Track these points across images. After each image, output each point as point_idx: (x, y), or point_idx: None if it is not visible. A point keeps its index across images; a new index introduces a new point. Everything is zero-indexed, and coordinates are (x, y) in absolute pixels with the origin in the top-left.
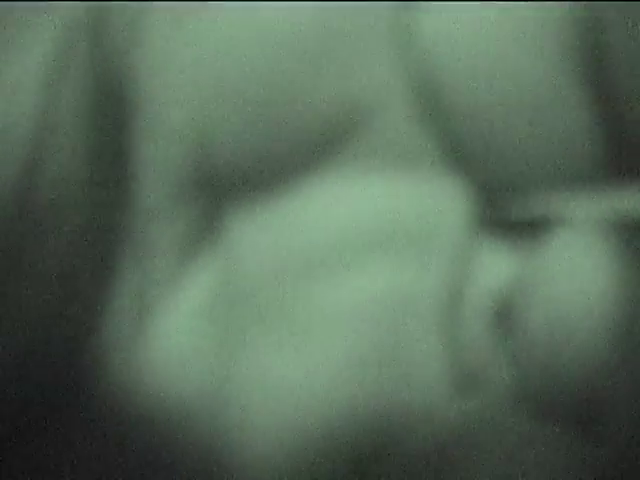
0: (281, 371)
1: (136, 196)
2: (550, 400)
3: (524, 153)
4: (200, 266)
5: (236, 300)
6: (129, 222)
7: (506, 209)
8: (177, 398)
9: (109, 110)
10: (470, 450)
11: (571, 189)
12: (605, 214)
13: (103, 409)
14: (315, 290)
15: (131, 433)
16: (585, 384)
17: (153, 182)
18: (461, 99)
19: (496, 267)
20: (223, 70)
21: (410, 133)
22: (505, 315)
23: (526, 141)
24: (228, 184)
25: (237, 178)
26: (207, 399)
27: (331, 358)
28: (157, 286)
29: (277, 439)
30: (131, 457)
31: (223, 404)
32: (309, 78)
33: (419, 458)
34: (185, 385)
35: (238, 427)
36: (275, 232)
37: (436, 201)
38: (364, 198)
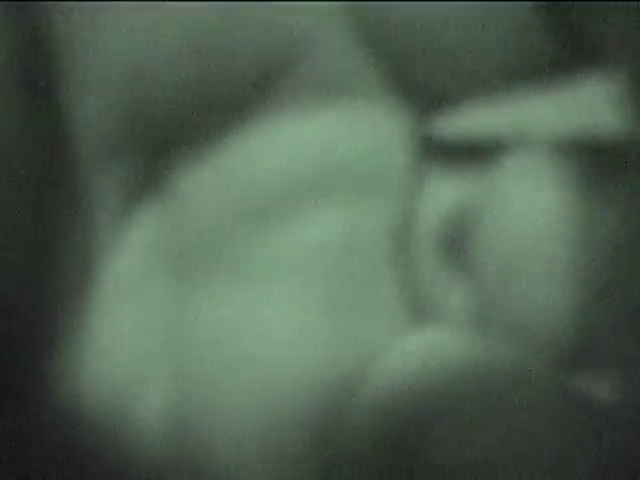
0: (233, 323)
1: (73, 150)
2: (510, 325)
3: (471, 69)
4: (144, 220)
5: (183, 253)
6: (67, 177)
7: (454, 131)
8: (127, 359)
9: (40, 65)
10: (432, 396)
11: (524, 105)
12: (561, 132)
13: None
14: (262, 239)
15: (78, 407)
16: (546, 307)
17: (89, 135)
18: (402, 18)
19: (447, 195)
20: (156, 17)
21: (350, 60)
22: (459, 243)
23: (472, 55)
24: (167, 134)
25: (176, 127)
26: (158, 359)
27: (285, 308)
28: (100, 241)
29: (233, 399)
30: (85, 432)
31: (175, 363)
32: (243, 17)
33: (380, 413)
34: (134, 343)
35: (194, 389)
36: (219, 181)
37: (380, 134)
38: (306, 138)
